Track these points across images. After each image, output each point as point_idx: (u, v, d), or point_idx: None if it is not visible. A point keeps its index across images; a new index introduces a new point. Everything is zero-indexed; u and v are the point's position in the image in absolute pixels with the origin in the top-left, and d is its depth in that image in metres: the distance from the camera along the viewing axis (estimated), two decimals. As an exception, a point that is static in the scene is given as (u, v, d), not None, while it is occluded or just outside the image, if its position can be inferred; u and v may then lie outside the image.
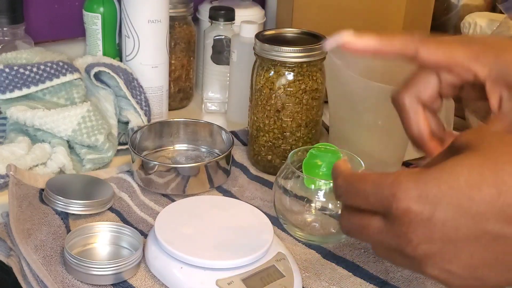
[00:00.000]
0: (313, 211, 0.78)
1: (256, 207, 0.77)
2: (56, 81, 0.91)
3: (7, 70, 0.87)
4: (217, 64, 1.09)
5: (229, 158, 0.88)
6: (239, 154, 0.95)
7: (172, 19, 1.03)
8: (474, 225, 0.41)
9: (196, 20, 1.15)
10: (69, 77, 0.92)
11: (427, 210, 0.41)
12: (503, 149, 0.42)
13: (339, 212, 0.77)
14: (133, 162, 0.85)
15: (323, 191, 0.76)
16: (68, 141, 0.88)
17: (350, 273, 0.71)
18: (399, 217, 0.42)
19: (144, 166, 0.84)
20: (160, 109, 1.03)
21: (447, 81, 0.57)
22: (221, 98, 1.10)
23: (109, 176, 0.86)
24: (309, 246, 0.76)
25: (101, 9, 1.02)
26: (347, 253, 0.75)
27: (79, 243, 0.71)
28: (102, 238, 0.72)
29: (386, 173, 0.44)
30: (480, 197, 0.40)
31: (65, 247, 0.67)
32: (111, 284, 0.67)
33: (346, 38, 0.57)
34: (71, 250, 0.68)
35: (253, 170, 0.92)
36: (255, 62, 0.89)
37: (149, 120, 0.98)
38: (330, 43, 0.58)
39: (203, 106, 1.12)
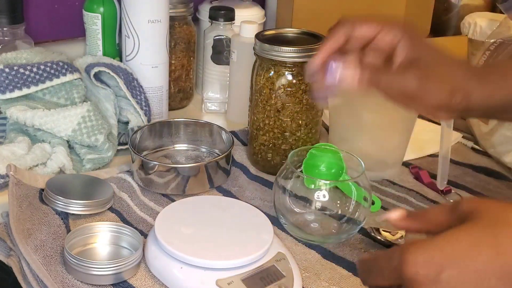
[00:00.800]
0: (313, 211, 0.78)
1: (256, 207, 0.77)
2: (56, 81, 0.91)
3: (7, 70, 0.87)
4: (217, 64, 1.09)
5: (229, 158, 0.88)
6: (239, 154, 0.95)
7: (172, 19, 1.03)
8: (477, 281, 0.45)
9: (196, 20, 1.15)
10: (69, 77, 0.92)
11: (432, 272, 0.45)
12: (503, 215, 0.47)
13: (339, 212, 0.78)
14: (133, 162, 0.85)
15: (323, 191, 0.76)
16: (68, 141, 0.88)
17: (350, 273, 0.71)
18: (410, 280, 0.46)
19: (144, 166, 0.84)
20: (160, 109, 1.03)
21: None
22: (221, 98, 1.10)
23: (109, 176, 0.86)
24: (309, 246, 0.76)
25: (101, 9, 1.02)
26: (347, 253, 0.75)
27: (79, 243, 0.71)
28: (102, 238, 0.72)
29: (394, 247, 0.49)
30: (481, 257, 0.45)
31: (65, 247, 0.67)
32: (111, 284, 0.67)
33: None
34: (71, 250, 0.68)
35: (253, 170, 0.92)
36: (255, 62, 0.89)
37: (149, 120, 0.97)
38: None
39: (203, 106, 1.12)
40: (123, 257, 0.68)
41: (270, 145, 0.90)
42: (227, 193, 0.86)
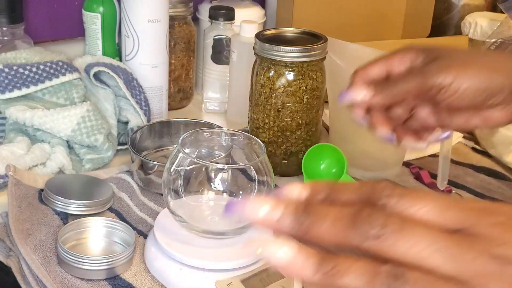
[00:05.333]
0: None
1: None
2: (55, 81, 0.90)
3: (6, 70, 0.87)
4: (217, 64, 1.08)
5: (228, 158, 0.87)
6: (239, 155, 0.94)
7: (171, 18, 1.03)
8: None
9: (196, 19, 1.15)
10: (68, 77, 0.91)
11: None
12: None
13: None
14: (132, 162, 0.85)
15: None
16: (67, 141, 0.88)
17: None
18: None
19: (143, 166, 0.84)
20: (160, 109, 1.03)
21: None
22: (221, 98, 1.10)
23: (108, 176, 0.86)
24: (309, 246, 0.76)
25: (101, 9, 1.02)
26: (347, 253, 0.75)
27: (72, 237, 0.71)
28: (95, 232, 0.72)
29: None
30: None
31: (58, 241, 0.67)
32: (105, 279, 0.66)
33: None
34: (65, 244, 0.68)
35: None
36: (255, 61, 0.89)
37: (148, 120, 0.97)
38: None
39: (203, 106, 1.11)
40: (116, 252, 0.68)
41: (270, 144, 0.90)
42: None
